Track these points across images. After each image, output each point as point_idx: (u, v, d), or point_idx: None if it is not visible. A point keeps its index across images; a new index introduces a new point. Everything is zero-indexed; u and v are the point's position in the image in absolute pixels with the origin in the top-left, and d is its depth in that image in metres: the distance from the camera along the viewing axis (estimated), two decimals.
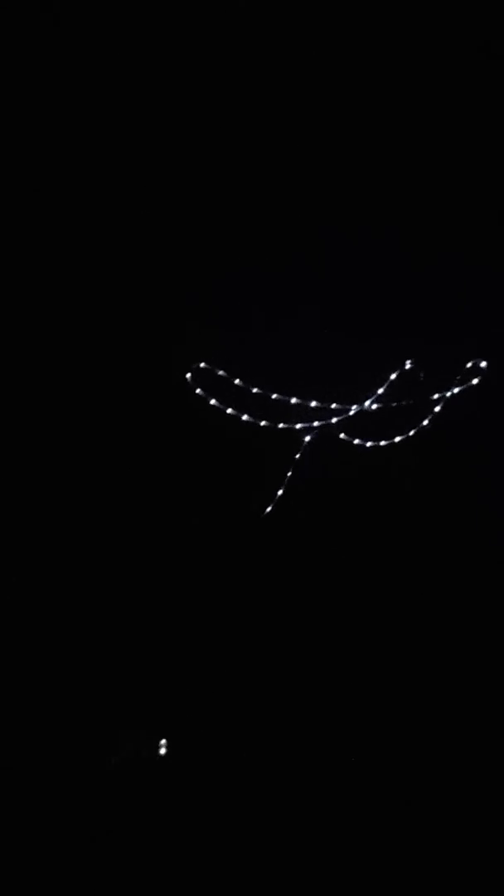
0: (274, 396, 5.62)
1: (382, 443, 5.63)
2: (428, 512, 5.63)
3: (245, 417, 5.61)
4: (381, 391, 5.63)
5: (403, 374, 5.64)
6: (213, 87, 5.71)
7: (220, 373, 5.64)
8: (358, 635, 5.55)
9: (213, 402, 5.62)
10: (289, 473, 5.61)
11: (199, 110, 5.72)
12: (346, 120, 5.71)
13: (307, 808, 5.34)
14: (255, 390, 5.62)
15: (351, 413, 5.64)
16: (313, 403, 5.63)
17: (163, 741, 5.54)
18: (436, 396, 5.64)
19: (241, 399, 5.62)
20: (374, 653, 5.53)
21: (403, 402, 5.63)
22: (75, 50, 5.70)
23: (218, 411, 5.62)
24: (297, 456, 5.62)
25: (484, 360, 5.65)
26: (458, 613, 5.56)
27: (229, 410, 5.62)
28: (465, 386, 5.66)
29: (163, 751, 5.54)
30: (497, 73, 5.69)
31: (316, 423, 5.64)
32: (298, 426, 5.63)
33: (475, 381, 5.65)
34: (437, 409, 5.64)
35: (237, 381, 5.63)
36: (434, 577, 5.57)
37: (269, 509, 5.60)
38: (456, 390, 5.65)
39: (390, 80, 5.69)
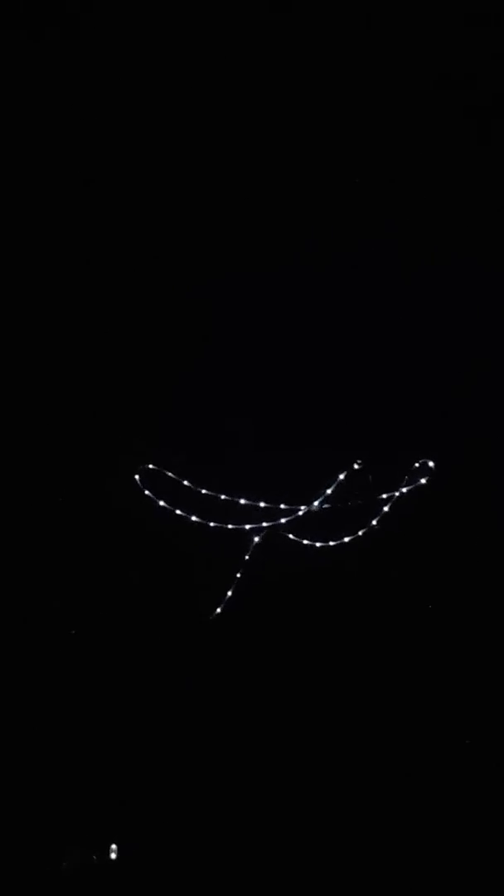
0: (223, 497, 5.64)
1: (331, 543, 5.65)
2: (377, 612, 5.62)
3: (194, 518, 5.63)
4: (329, 491, 5.65)
5: (351, 474, 5.66)
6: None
7: (169, 474, 5.67)
8: (307, 733, 5.52)
9: (161, 503, 5.65)
10: (238, 574, 5.61)
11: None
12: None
13: None
14: (203, 491, 5.65)
15: (300, 513, 5.66)
16: (262, 504, 5.65)
17: (113, 846, 5.49)
18: (384, 496, 5.67)
19: (189, 500, 5.64)
20: (324, 752, 5.51)
21: (351, 503, 5.65)
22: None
23: (167, 512, 5.64)
24: (246, 556, 5.62)
25: (431, 460, 5.68)
26: (410, 713, 5.56)
27: (178, 511, 5.64)
28: (413, 485, 5.68)
29: (113, 855, 5.48)
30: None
31: (265, 524, 5.66)
32: (247, 527, 5.65)
33: (423, 481, 5.68)
34: (386, 508, 5.66)
35: (186, 483, 5.66)
36: (382, 676, 5.56)
37: (217, 610, 5.60)
38: (404, 490, 5.68)
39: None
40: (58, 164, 5.82)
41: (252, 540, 5.64)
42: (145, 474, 5.66)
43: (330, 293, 5.76)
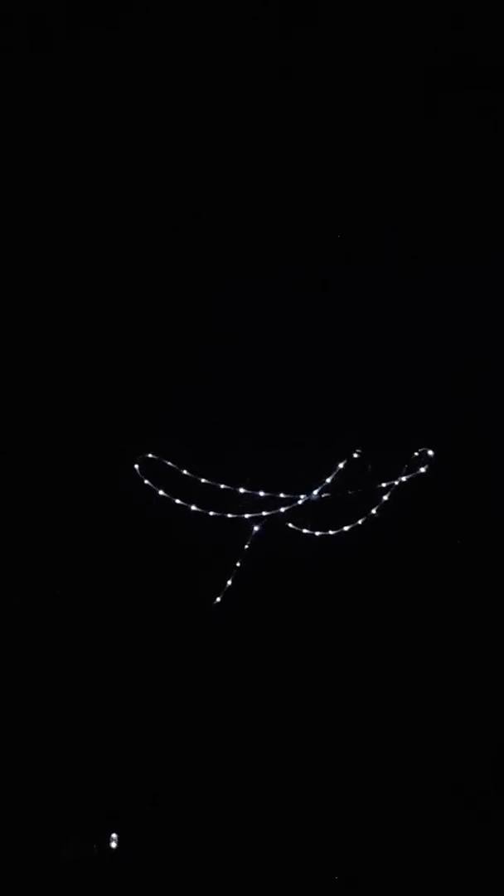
0: (222, 486, 5.63)
1: (331, 532, 5.64)
2: (377, 601, 5.62)
3: (193, 507, 5.62)
4: (328, 480, 5.65)
5: (351, 463, 5.66)
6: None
7: (168, 463, 5.66)
8: (308, 723, 5.53)
9: (161, 492, 5.64)
10: (237, 563, 5.61)
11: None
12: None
13: None
14: (203, 480, 5.64)
15: (299, 502, 5.65)
16: (261, 493, 5.64)
17: (113, 835, 5.50)
18: (384, 485, 5.66)
19: (189, 489, 5.63)
20: (326, 743, 5.51)
21: (352, 492, 5.65)
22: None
23: (166, 501, 5.63)
24: (246, 546, 5.62)
25: (431, 448, 5.67)
26: (410, 705, 5.56)
27: (178, 500, 5.63)
28: (412, 474, 5.68)
29: (114, 844, 5.49)
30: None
31: (264, 513, 5.65)
32: (247, 516, 5.64)
33: (423, 470, 5.67)
34: (386, 497, 5.66)
35: (185, 472, 5.65)
36: (381, 666, 5.56)
37: (217, 600, 5.60)
38: (404, 479, 5.67)
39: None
40: (59, 166, 5.80)
41: (252, 529, 5.63)
42: (145, 463, 5.65)
43: (329, 289, 5.75)
